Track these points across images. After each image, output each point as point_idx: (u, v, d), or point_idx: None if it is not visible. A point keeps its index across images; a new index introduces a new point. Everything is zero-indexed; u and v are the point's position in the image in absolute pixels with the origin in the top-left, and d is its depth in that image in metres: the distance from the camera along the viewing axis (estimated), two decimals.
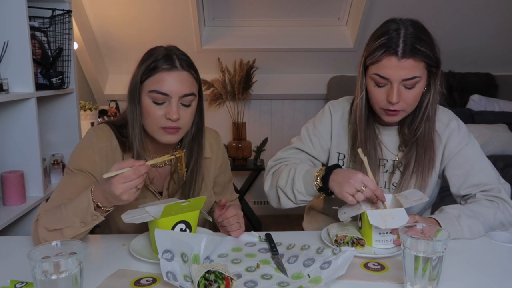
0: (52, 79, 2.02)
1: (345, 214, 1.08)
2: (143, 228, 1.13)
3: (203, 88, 1.23)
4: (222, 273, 0.85)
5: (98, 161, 1.15)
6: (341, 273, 0.88)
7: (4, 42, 1.79)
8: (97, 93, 3.44)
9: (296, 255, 1.01)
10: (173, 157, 1.09)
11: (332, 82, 3.40)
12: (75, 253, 0.79)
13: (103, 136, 1.19)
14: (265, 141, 3.33)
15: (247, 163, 3.33)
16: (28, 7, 1.85)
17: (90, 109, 2.81)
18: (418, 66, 1.11)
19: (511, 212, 1.17)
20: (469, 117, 3.09)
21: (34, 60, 1.92)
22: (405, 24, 1.13)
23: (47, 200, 1.24)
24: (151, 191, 1.20)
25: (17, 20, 1.81)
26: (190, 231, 1.05)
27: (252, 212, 3.37)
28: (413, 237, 0.84)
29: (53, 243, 0.81)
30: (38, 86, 1.95)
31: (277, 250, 1.05)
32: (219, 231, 1.20)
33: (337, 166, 1.15)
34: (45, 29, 2.07)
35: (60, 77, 2.07)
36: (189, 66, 1.14)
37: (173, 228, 1.02)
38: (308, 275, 0.92)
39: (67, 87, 2.17)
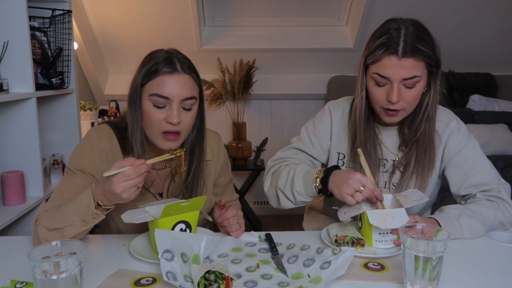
0: (52, 79, 2.02)
1: (345, 214, 1.08)
2: (143, 228, 1.13)
3: (203, 88, 1.22)
4: (222, 273, 0.85)
5: (98, 162, 1.15)
6: (341, 273, 0.88)
7: (4, 42, 1.79)
8: (97, 93, 3.44)
9: (296, 255, 1.01)
10: (173, 156, 1.09)
11: (332, 82, 3.40)
12: (75, 253, 0.79)
13: (104, 136, 1.18)
14: (265, 141, 3.33)
15: (247, 163, 3.33)
16: (28, 7, 1.85)
17: (90, 109, 2.81)
18: (418, 65, 1.11)
19: (511, 212, 1.17)
20: (469, 117, 3.09)
21: (34, 60, 1.92)
22: (405, 24, 1.13)
23: (47, 200, 1.24)
24: (152, 193, 1.20)
25: (17, 20, 1.81)
26: (190, 231, 1.05)
27: (252, 212, 3.37)
28: (413, 237, 0.84)
29: (53, 243, 0.81)
30: (38, 86, 1.95)
31: (277, 250, 1.05)
32: (219, 231, 1.20)
33: (336, 167, 1.16)
34: (45, 29, 2.07)
35: (60, 77, 2.07)
36: (190, 69, 1.13)
37: (173, 228, 1.02)
38: (308, 275, 0.92)
39: (67, 87, 2.17)
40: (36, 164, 1.92)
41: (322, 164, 1.38)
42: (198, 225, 1.15)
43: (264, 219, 3.53)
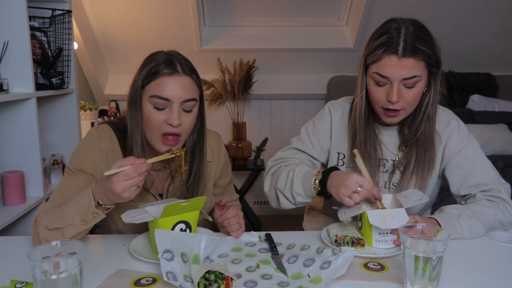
0: (52, 79, 2.02)
1: (345, 214, 1.08)
2: (143, 228, 1.13)
3: (203, 88, 1.22)
4: (222, 273, 0.85)
5: (99, 162, 1.15)
6: (341, 273, 0.88)
7: (4, 42, 1.79)
8: (97, 93, 3.44)
9: (296, 255, 1.01)
10: (173, 155, 1.09)
11: (332, 82, 3.40)
12: (75, 253, 0.79)
13: (104, 136, 1.18)
14: (265, 141, 3.33)
15: (247, 163, 3.33)
16: (28, 7, 1.85)
17: (90, 109, 2.81)
18: (418, 65, 1.11)
19: (511, 212, 1.17)
20: (469, 117, 3.09)
21: (34, 60, 1.92)
22: (405, 24, 1.13)
23: (47, 200, 1.24)
24: (152, 194, 1.20)
25: (17, 20, 1.81)
26: (190, 231, 1.05)
27: (252, 212, 3.37)
28: (413, 237, 0.84)
29: (53, 243, 0.81)
30: (38, 86, 1.95)
31: (277, 250, 1.05)
32: (219, 231, 1.20)
33: (334, 168, 1.15)
34: (45, 29, 2.07)
35: (60, 77, 2.07)
36: (190, 70, 1.13)
37: (173, 228, 1.02)
38: (308, 275, 0.92)
39: (67, 87, 2.17)
40: (36, 164, 1.92)
41: (322, 164, 1.38)
42: (198, 225, 1.15)
43: (264, 219, 3.53)
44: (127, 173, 0.95)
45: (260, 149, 3.29)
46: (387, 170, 1.29)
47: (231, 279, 0.85)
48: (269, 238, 1.12)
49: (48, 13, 2.08)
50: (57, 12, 2.09)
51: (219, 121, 3.54)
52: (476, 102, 3.26)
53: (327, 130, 1.33)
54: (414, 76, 1.12)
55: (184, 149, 1.14)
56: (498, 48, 3.37)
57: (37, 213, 1.10)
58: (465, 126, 1.28)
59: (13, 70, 1.83)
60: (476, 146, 1.26)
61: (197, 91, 1.14)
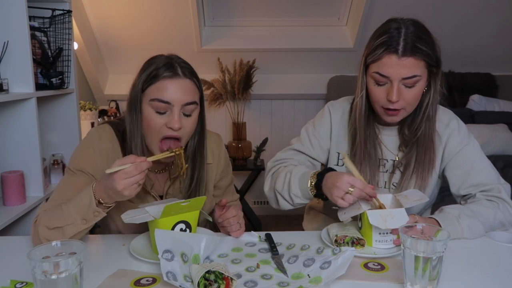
0: (52, 79, 2.02)
1: (345, 214, 1.08)
2: (143, 228, 1.13)
3: (203, 88, 1.22)
4: (222, 273, 0.85)
5: (99, 162, 1.15)
6: (341, 273, 0.88)
7: (4, 42, 1.79)
8: (97, 93, 3.44)
9: (296, 255, 1.01)
10: (172, 153, 1.09)
11: (332, 82, 3.40)
12: (75, 253, 0.79)
13: (105, 136, 1.18)
14: (265, 141, 3.33)
15: (247, 163, 3.33)
16: (28, 7, 1.85)
17: (90, 109, 2.81)
18: (418, 64, 1.11)
19: (511, 212, 1.17)
20: (469, 117, 3.09)
21: (34, 60, 1.92)
22: (406, 23, 1.13)
23: (47, 200, 1.24)
24: (152, 196, 1.20)
25: (17, 20, 1.81)
26: (190, 231, 1.05)
27: (252, 212, 3.37)
28: (413, 237, 0.84)
29: (53, 243, 0.81)
30: (38, 86, 1.95)
31: (277, 250, 1.05)
32: (219, 231, 1.20)
33: (329, 169, 1.15)
34: (45, 29, 2.07)
35: (60, 77, 2.07)
36: (191, 74, 1.12)
37: (173, 228, 1.02)
38: (308, 275, 0.92)
39: (67, 87, 2.17)
40: (36, 164, 1.92)
41: (322, 165, 1.38)
42: (199, 225, 1.15)
43: (264, 219, 3.53)
44: (128, 171, 0.95)
45: (260, 149, 3.30)
46: (387, 170, 1.29)
47: (231, 279, 0.85)
48: (269, 238, 1.12)
49: (48, 13, 2.08)
50: (57, 12, 2.09)
51: (219, 121, 3.54)
52: (476, 102, 3.26)
53: (327, 130, 1.33)
54: (414, 76, 1.12)
55: (183, 147, 1.13)
56: (498, 48, 3.37)
57: (37, 213, 1.10)
58: (465, 126, 1.28)
59: (13, 70, 1.83)
60: (476, 146, 1.26)
61: (198, 94, 1.14)
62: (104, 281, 0.91)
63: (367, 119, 1.25)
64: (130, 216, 1.01)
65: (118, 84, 3.42)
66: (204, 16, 3.21)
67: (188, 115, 1.11)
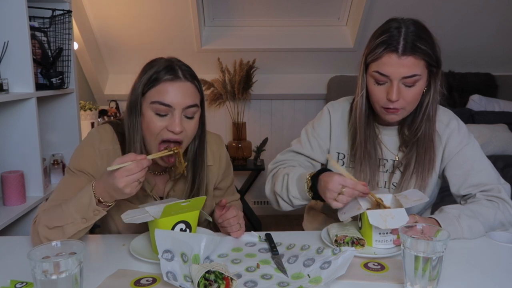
0: (52, 79, 2.02)
1: (345, 214, 1.08)
2: (143, 228, 1.13)
3: (203, 88, 1.21)
4: (222, 273, 0.85)
5: (99, 163, 1.15)
6: (341, 273, 0.88)
7: (4, 42, 1.79)
8: (97, 93, 3.44)
9: (296, 255, 1.01)
10: (171, 152, 1.09)
11: (332, 82, 3.40)
12: (75, 253, 0.79)
13: (106, 137, 1.18)
14: (265, 141, 3.33)
15: (247, 163, 3.33)
16: (28, 7, 1.85)
17: (90, 109, 2.81)
18: (418, 64, 1.11)
19: (511, 212, 1.17)
20: (469, 117, 3.09)
21: (34, 60, 1.92)
22: (406, 23, 1.14)
23: (46, 200, 1.24)
24: (153, 197, 1.20)
25: (17, 20, 1.81)
26: (190, 231, 1.05)
27: (252, 212, 3.37)
28: (413, 237, 0.84)
29: (53, 243, 0.81)
30: (38, 86, 1.95)
31: (277, 250, 1.05)
32: (220, 231, 1.20)
33: (322, 171, 1.15)
34: (45, 29, 2.07)
35: (60, 77, 2.07)
36: (192, 76, 1.12)
37: (173, 228, 1.02)
38: (308, 275, 0.92)
39: (67, 87, 2.17)
40: (36, 164, 1.92)
41: (322, 165, 1.38)
42: (199, 225, 1.15)
43: (264, 219, 3.53)
44: (129, 169, 0.96)
45: (260, 149, 3.30)
46: (387, 170, 1.29)
47: (231, 279, 0.85)
48: (269, 238, 1.12)
49: (48, 13, 2.08)
50: (57, 12, 2.09)
51: (219, 121, 3.54)
52: (476, 102, 3.26)
53: (326, 131, 1.33)
54: (414, 75, 1.12)
55: (181, 146, 1.13)
56: (498, 48, 3.37)
57: (36, 213, 1.10)
58: (465, 126, 1.28)
59: (13, 70, 1.83)
60: (476, 146, 1.26)
61: (199, 97, 1.13)
62: (104, 281, 0.91)
63: (367, 119, 1.25)
64: (130, 216, 1.01)
65: (118, 84, 3.42)
66: (204, 16, 3.21)
67: (189, 117, 1.11)
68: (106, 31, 3.14)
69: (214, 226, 1.24)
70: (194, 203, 1.03)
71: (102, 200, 1.02)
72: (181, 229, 1.03)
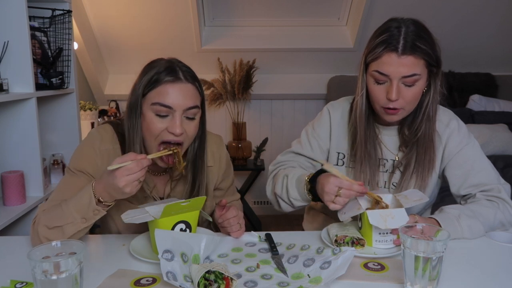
0: (52, 79, 2.02)
1: (345, 214, 1.08)
2: (143, 228, 1.13)
3: (203, 88, 1.21)
4: (222, 273, 0.85)
5: (100, 164, 1.15)
6: (341, 273, 0.88)
7: (4, 42, 1.79)
8: (97, 93, 3.44)
9: (296, 255, 1.01)
10: (170, 152, 1.09)
11: (332, 82, 3.40)
12: (75, 253, 0.79)
13: (106, 137, 1.18)
14: (265, 141, 3.33)
15: (247, 163, 3.33)
16: (28, 7, 1.85)
17: (90, 109, 2.81)
18: (418, 63, 1.12)
19: (511, 212, 1.17)
20: (469, 117, 3.09)
21: (34, 60, 1.92)
22: (406, 23, 1.14)
23: (46, 200, 1.24)
24: (153, 198, 1.20)
25: (17, 20, 1.81)
26: (190, 231, 1.05)
27: (252, 212, 3.37)
28: (413, 237, 0.84)
29: (53, 243, 0.81)
30: (38, 86, 1.95)
31: (277, 250, 1.05)
32: (220, 231, 1.20)
33: (320, 172, 1.14)
34: (45, 29, 2.07)
35: (60, 77, 2.07)
36: (193, 78, 1.12)
37: (173, 228, 1.02)
38: (308, 275, 0.92)
39: (67, 87, 2.17)
40: (36, 164, 1.92)
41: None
42: (200, 225, 1.15)
43: (264, 219, 3.53)
44: (130, 168, 0.96)
45: (260, 149, 3.29)
46: (387, 170, 1.29)
47: (231, 279, 0.85)
48: (269, 238, 1.12)
49: (48, 13, 2.08)
50: (57, 12, 2.09)
51: (219, 121, 3.54)
52: (476, 102, 3.26)
53: (326, 131, 1.33)
54: (414, 74, 1.12)
55: (182, 147, 1.13)
56: (498, 48, 3.37)
57: (36, 213, 1.10)
58: (465, 126, 1.28)
59: (13, 70, 1.83)
60: (476, 146, 1.26)
61: (199, 98, 1.13)
62: (104, 281, 0.91)
63: (367, 118, 1.25)
64: (130, 216, 1.01)
65: (118, 84, 3.42)
66: (204, 16, 3.21)
67: (190, 119, 1.11)
68: (106, 31, 3.14)
69: (214, 226, 1.24)
70: (194, 203, 1.03)
71: (102, 200, 1.02)
72: (181, 229, 1.03)
